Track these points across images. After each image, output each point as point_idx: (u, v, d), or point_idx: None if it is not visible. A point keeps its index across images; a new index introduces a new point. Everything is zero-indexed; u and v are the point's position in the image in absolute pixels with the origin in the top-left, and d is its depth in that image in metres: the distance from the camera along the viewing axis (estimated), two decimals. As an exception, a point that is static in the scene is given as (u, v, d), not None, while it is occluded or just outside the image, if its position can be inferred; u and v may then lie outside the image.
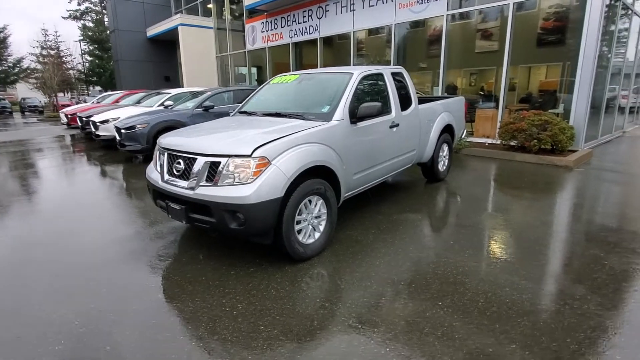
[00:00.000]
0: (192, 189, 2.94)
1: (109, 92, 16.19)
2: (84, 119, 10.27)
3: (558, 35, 7.80)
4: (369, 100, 3.95)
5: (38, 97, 30.86)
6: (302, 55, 12.80)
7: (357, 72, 3.86)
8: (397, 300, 2.58)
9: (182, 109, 7.89)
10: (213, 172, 2.89)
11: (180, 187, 3.04)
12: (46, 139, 12.04)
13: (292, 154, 2.95)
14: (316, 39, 11.75)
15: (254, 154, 2.80)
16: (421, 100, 5.33)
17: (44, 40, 38.77)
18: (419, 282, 2.80)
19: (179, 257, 3.34)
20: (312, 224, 3.22)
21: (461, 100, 6.01)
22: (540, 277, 2.83)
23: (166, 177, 3.22)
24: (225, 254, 3.36)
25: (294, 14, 12.29)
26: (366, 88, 4.01)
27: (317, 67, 11.55)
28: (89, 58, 39.06)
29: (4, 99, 30.53)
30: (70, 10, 43.27)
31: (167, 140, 3.38)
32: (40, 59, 35.29)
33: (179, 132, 3.65)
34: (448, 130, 5.50)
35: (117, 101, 12.49)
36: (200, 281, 2.92)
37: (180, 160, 3.11)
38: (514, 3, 7.54)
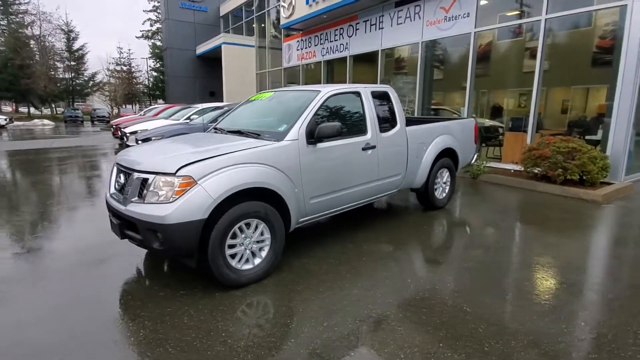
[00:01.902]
0: (124, 204, 2.89)
1: (153, 106, 17.31)
2: (122, 129, 10.97)
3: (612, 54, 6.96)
4: (339, 120, 3.73)
5: (107, 109, 33.92)
6: (334, 72, 12.77)
7: (324, 91, 3.65)
8: (307, 347, 2.29)
9: (198, 123, 8.12)
10: (143, 189, 2.82)
11: (118, 201, 3.02)
12: (95, 147, 13.05)
13: (224, 174, 2.80)
14: (346, 57, 11.67)
15: (178, 172, 2.69)
16: (418, 122, 4.98)
17: (119, 57, 43.00)
18: (342, 328, 2.47)
19: (140, 271, 3.30)
20: (250, 249, 3.03)
21: (470, 123, 5.51)
22: (489, 335, 2.38)
23: (112, 190, 3.22)
24: (167, 274, 3.27)
25: (326, 33, 12.35)
26: (337, 107, 3.78)
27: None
28: (154, 74, 42.50)
29: (78, 109, 33.93)
30: (143, 31, 47.42)
31: (120, 154, 3.40)
32: (114, 74, 39.13)
33: (135, 147, 3.66)
34: (449, 154, 5.05)
35: (157, 114, 13.26)
36: (124, 301, 2.83)
37: (122, 175, 3.10)
38: (546, 19, 6.89)
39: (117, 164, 3.25)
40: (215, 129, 4.14)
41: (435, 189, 4.95)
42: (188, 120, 9.46)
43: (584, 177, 5.81)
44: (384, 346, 2.27)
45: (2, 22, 38.71)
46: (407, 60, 10.18)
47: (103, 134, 19.96)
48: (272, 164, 3.08)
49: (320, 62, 12.90)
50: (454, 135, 5.11)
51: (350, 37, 11.39)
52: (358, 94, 3.98)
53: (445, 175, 5.09)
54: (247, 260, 3.02)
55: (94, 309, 2.71)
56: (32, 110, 40.89)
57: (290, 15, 12.60)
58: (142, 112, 16.24)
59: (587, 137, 6.97)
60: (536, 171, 6.28)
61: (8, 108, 47.05)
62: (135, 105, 46.99)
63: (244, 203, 2.89)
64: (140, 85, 42.85)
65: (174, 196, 2.66)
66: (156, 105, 16.74)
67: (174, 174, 2.69)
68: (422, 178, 4.69)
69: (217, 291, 2.93)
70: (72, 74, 37.10)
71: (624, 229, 4.58)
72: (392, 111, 4.28)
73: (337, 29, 11.86)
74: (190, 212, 2.64)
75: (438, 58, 9.44)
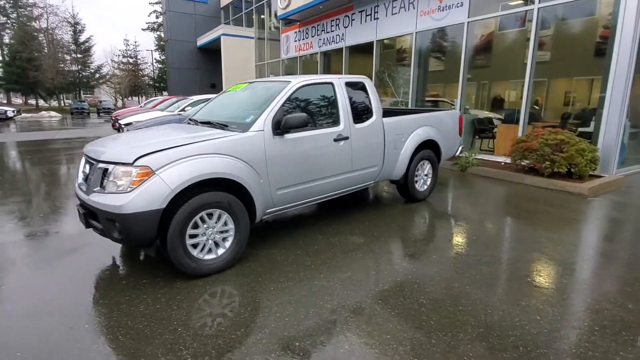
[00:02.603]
0: (88, 193, 2.92)
1: (152, 98, 17.42)
2: (118, 121, 11.05)
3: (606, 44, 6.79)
4: (311, 111, 3.71)
5: (112, 101, 34.14)
6: (330, 64, 12.68)
7: (294, 82, 3.63)
8: (254, 337, 2.30)
9: (186, 114, 8.15)
10: (104, 179, 2.84)
11: (83, 191, 3.05)
12: (96, 138, 13.17)
13: (183, 165, 2.81)
14: (342, 48, 11.57)
15: (135, 162, 2.71)
16: (398, 113, 4.94)
17: (125, 50, 43.18)
18: (292, 319, 2.47)
19: (115, 259, 3.35)
20: (213, 239, 3.04)
21: (454, 114, 5.45)
22: (439, 328, 2.37)
23: (79, 180, 3.26)
24: (138, 263, 3.31)
25: (323, 23, 12.24)
26: (308, 98, 3.76)
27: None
28: (160, 66, 42.61)
29: (84, 101, 34.24)
30: (149, 23, 47.47)
31: (88, 144, 3.43)
32: (121, 66, 39.34)
33: (105, 138, 3.68)
34: (430, 146, 5.00)
35: (155, 106, 13.33)
36: (87, 288, 2.87)
37: (87, 165, 3.13)
38: (539, 9, 6.74)
39: (85, 154, 3.28)
40: (190, 120, 4.14)
41: (416, 181, 4.92)
42: (181, 112, 9.51)
43: (572, 170, 5.71)
44: (329, 338, 2.27)
45: (12, 16, 39.07)
46: (402, 51, 10.06)
47: (106, 125, 20.11)
48: (235, 154, 3.08)
49: (317, 53, 12.82)
50: (436, 127, 5.05)
51: (346, 27, 11.27)
52: (331, 84, 3.94)
53: (426, 168, 5.04)
54: (209, 250, 3.04)
55: (57, 296, 2.76)
56: (41, 102, 41.38)
57: (287, 6, 12.51)
58: (142, 104, 16.36)
59: (581, 130, 6.84)
60: (524, 164, 6.19)
61: (18, 100, 47.66)
62: (142, 97, 47.27)
63: (205, 193, 2.90)
64: (146, 77, 43.06)
65: (131, 186, 2.68)
66: (155, 98, 16.83)
67: (131, 164, 2.71)
68: (401, 170, 4.65)
69: (179, 281, 2.95)
70: (79, 67, 37.50)
71: (605, 223, 4.51)
72: (367, 102, 4.24)
73: (333, 20, 11.74)
74: (147, 202, 2.66)
75: (432, 49, 9.29)
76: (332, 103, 3.90)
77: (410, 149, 4.66)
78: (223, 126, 3.44)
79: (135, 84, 39.96)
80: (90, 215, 2.95)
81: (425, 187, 5.10)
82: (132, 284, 2.94)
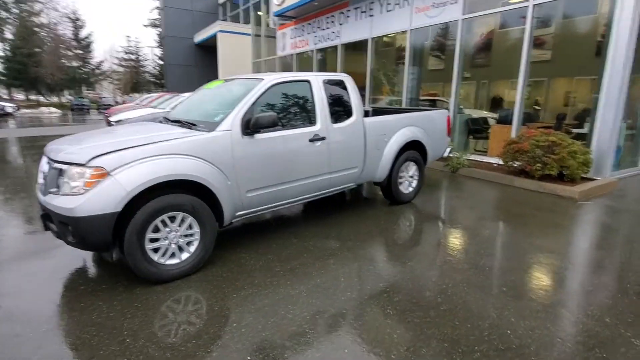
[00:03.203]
0: (44, 194, 2.81)
1: (147, 95, 17.32)
2: (108, 118, 10.93)
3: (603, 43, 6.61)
4: (285, 110, 3.58)
5: (111, 97, 34.09)
6: (326, 61, 12.52)
7: (267, 80, 3.49)
8: (205, 349, 2.18)
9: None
10: (59, 180, 2.73)
11: (41, 192, 2.94)
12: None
13: (141, 166, 2.68)
14: (337, 46, 11.40)
15: (89, 163, 2.59)
16: (385, 113, 4.79)
17: (127, 46, 43.12)
18: (249, 329, 2.35)
19: (85, 263, 3.24)
20: (177, 243, 2.92)
21: (441, 114, 5.29)
22: (401, 342, 2.24)
23: (40, 180, 3.14)
24: (106, 266, 3.19)
25: (318, 20, 12.08)
26: (282, 97, 3.62)
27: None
28: (161, 62, 42.52)
29: (84, 98, 34.20)
30: (150, 19, 47.35)
31: (49, 143, 3.31)
32: (122, 62, 39.28)
33: (68, 137, 3.56)
34: (415, 147, 4.85)
35: (149, 103, 13.20)
36: (43, 294, 2.76)
37: (46, 165, 3.01)
38: (534, 5, 6.55)
39: (44, 153, 3.16)
40: (163, 118, 4.02)
41: (400, 183, 4.77)
42: (171, 109, 9.38)
43: (564, 173, 5.55)
44: (283, 351, 2.15)
45: (13, 11, 39.05)
46: (396, 49, 9.88)
47: (104, 122, 20.04)
48: (200, 155, 2.95)
49: (313, 50, 12.65)
50: (423, 127, 4.90)
51: (341, 25, 11.10)
52: (308, 82, 3.80)
53: (411, 169, 4.90)
54: (172, 255, 2.92)
55: (13, 301, 2.65)
56: (42, 98, 41.35)
57: (283, 2, 12.35)
58: (137, 101, 16.25)
59: (576, 131, 6.67)
60: (515, 165, 6.03)
61: (21, 96, 47.71)
62: (143, 93, 47.18)
63: (167, 196, 2.78)
64: (147, 74, 42.94)
65: (85, 188, 2.56)
66: (150, 95, 16.73)
67: (84, 165, 2.59)
68: (384, 171, 4.51)
69: (139, 287, 2.84)
70: (79, 63, 37.49)
71: (592, 228, 4.35)
72: (347, 101, 4.09)
73: (328, 17, 11.57)
74: (101, 204, 2.54)
75: (427, 47, 9.11)
76: (309, 102, 3.76)
77: (394, 149, 4.51)
78: (191, 125, 3.31)
79: (136, 80, 39.92)
80: (48, 217, 2.84)
81: (411, 189, 4.96)
82: (91, 289, 2.83)
